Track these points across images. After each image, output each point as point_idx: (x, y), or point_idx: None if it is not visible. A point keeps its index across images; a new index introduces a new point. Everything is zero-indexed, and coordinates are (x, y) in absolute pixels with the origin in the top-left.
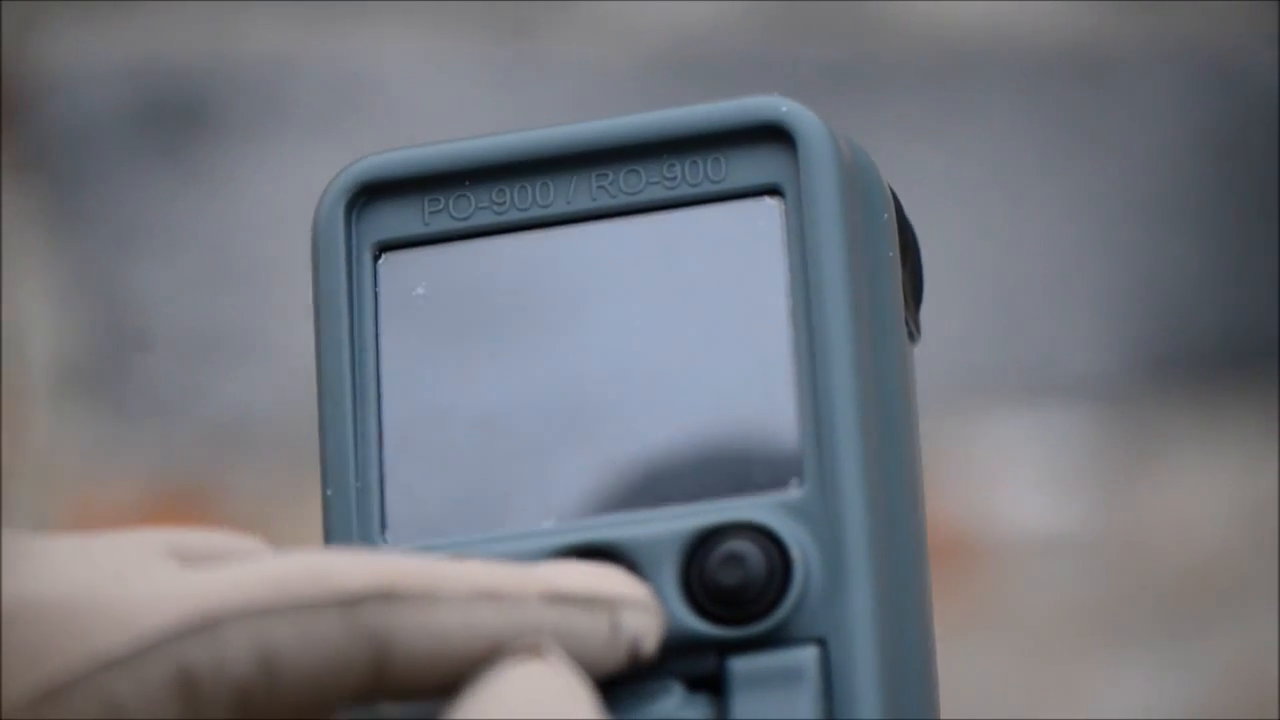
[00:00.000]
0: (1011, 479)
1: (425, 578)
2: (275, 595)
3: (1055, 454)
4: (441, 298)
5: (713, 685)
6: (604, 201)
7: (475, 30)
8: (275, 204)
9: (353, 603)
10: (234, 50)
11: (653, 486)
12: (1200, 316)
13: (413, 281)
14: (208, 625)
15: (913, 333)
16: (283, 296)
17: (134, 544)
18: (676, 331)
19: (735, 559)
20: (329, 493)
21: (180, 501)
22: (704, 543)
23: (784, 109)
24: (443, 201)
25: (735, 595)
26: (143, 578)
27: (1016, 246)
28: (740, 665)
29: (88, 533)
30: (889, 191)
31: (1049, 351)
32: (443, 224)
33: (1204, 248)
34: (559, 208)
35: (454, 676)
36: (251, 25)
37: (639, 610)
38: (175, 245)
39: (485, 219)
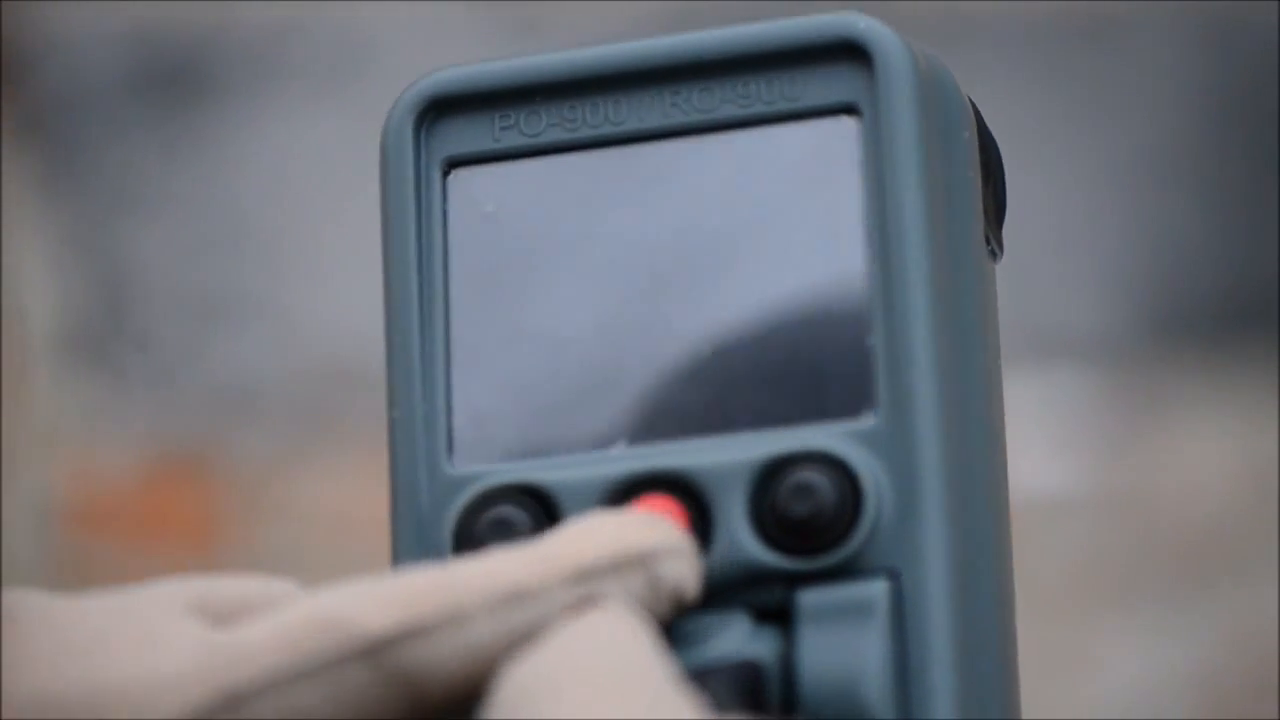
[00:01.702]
0: (1018, 441)
1: (447, 600)
2: (298, 658)
3: (1061, 416)
4: (511, 215)
5: (782, 617)
6: (677, 119)
7: None
8: (275, 167)
9: (378, 650)
10: (233, 14)
11: (723, 411)
12: (1206, 278)
13: (482, 198)
14: (232, 704)
15: (995, 251)
16: (283, 261)
17: (158, 603)
18: (750, 254)
19: (806, 489)
20: (395, 414)
21: (182, 466)
22: (774, 472)
23: (861, 25)
24: (514, 117)
25: (805, 526)
26: (166, 650)
27: (1021, 209)
28: (809, 597)
29: (113, 590)
30: (970, 107)
31: (1054, 313)
32: (513, 140)
33: (1209, 209)
34: (631, 125)
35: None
36: None
37: (673, 558)
38: (175, 210)
39: (556, 135)
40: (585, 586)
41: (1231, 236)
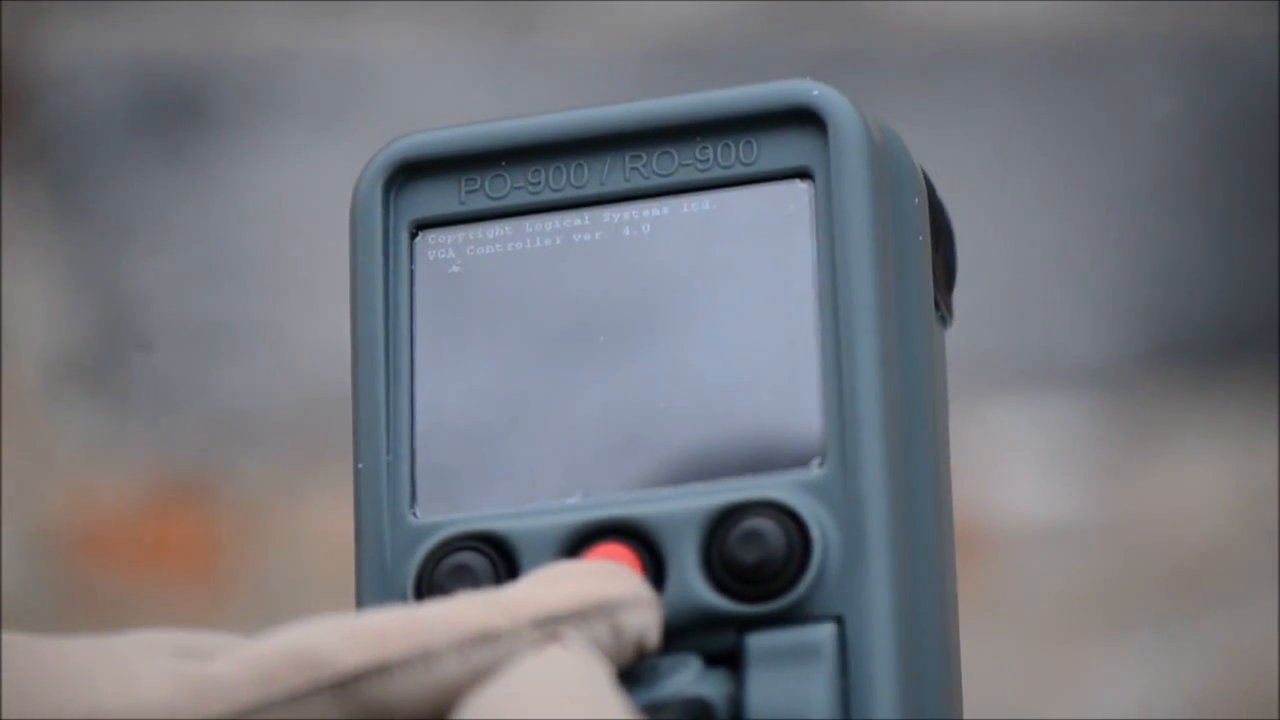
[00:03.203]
0: (1011, 466)
1: (415, 638)
2: (270, 690)
3: (1055, 441)
4: (476, 276)
5: (731, 660)
6: (637, 183)
7: (474, 24)
8: (274, 197)
9: (346, 684)
10: (234, 45)
11: (677, 464)
12: (1200, 304)
13: (448, 259)
14: None
15: (944, 316)
16: (283, 289)
17: (140, 643)
18: (704, 312)
19: (755, 536)
20: (360, 466)
21: (183, 493)
22: (725, 520)
23: (815, 92)
24: (479, 181)
25: (754, 572)
26: (145, 683)
27: (1015, 235)
28: (757, 641)
29: (101, 635)
30: (921, 175)
31: (1049, 339)
32: (479, 203)
33: (1204, 235)
34: (592, 188)
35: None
36: (251, 20)
37: (637, 608)
38: (175, 239)
39: (520, 199)
40: (549, 630)
41: (1227, 264)
